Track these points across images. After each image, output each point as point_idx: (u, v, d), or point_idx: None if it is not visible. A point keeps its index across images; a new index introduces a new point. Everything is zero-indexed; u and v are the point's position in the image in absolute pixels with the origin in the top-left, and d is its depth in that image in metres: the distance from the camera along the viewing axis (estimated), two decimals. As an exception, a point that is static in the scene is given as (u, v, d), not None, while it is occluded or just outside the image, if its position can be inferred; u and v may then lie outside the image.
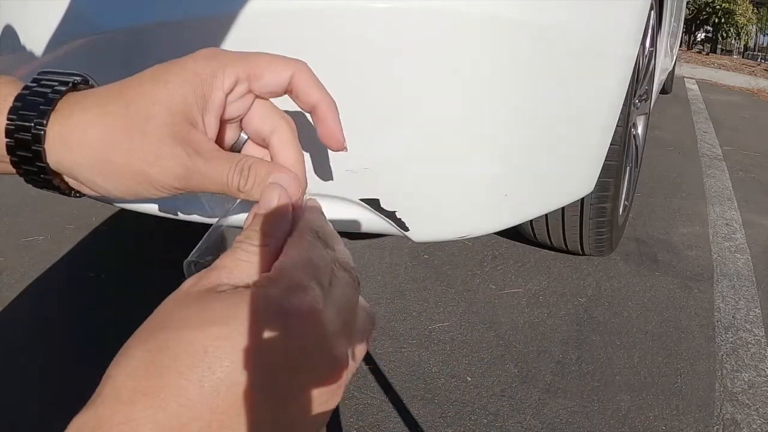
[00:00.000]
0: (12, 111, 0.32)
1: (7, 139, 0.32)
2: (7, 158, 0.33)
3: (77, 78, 0.34)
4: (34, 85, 0.33)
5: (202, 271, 0.25)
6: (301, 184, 0.31)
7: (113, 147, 0.31)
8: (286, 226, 0.28)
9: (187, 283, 0.25)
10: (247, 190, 0.31)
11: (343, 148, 0.34)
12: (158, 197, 0.34)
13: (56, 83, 0.33)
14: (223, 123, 0.33)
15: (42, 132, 0.31)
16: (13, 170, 0.34)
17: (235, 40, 0.55)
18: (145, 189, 0.32)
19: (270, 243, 0.26)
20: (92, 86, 0.35)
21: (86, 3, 0.61)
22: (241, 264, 0.25)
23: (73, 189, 0.35)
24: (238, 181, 0.31)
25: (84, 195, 0.36)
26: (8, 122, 0.32)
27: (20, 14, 0.67)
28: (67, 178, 0.34)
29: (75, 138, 0.32)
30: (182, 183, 0.32)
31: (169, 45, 0.57)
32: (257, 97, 0.33)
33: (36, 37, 0.64)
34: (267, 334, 0.22)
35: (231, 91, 0.32)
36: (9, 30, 0.67)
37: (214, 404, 0.21)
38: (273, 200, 0.28)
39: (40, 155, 0.32)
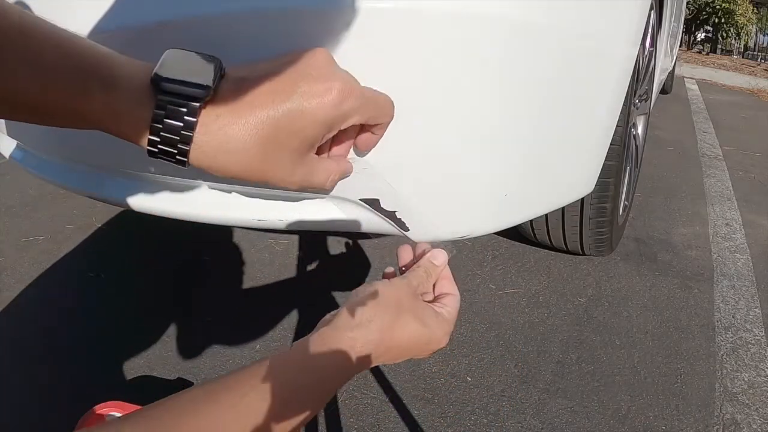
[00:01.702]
0: (156, 114, 0.35)
1: (151, 137, 0.36)
2: (144, 136, 0.36)
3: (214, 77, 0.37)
4: (167, 89, 0.35)
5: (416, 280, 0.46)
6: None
7: (252, 157, 0.38)
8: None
9: (412, 284, 0.44)
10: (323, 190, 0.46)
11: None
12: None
13: (191, 89, 0.36)
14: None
15: (189, 137, 0.36)
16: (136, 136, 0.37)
17: (235, 40, 0.55)
18: (263, 183, 0.40)
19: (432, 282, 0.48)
20: (224, 75, 0.38)
21: (87, 3, 0.61)
22: (422, 287, 0.46)
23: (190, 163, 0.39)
24: (323, 185, 0.45)
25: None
26: (153, 125, 0.35)
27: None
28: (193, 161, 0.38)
29: (217, 145, 0.36)
30: (292, 188, 0.42)
31: (170, 46, 0.57)
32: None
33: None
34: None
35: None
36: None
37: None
38: (440, 261, 0.48)
39: (185, 153, 0.36)
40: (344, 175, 0.48)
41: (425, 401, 1.00)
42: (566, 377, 1.09)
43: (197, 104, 0.35)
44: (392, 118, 0.49)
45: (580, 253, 1.43)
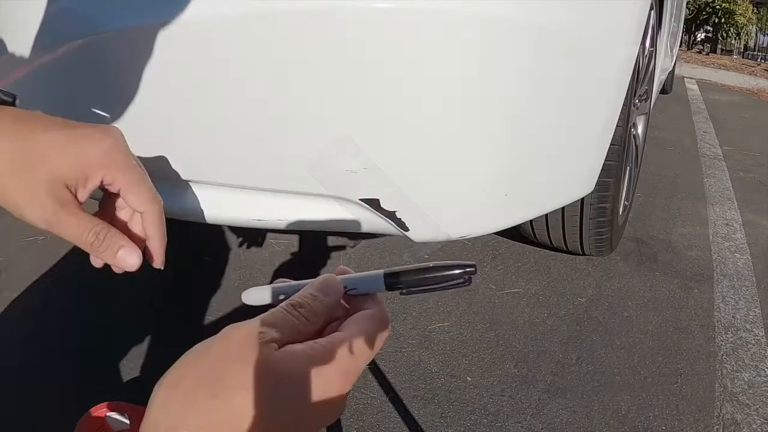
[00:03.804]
0: None
1: None
2: None
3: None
4: None
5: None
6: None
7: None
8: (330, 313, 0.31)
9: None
10: (98, 251, 0.39)
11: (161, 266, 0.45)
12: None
13: None
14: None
15: None
16: None
17: (236, 41, 0.55)
18: (20, 216, 0.38)
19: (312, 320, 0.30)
20: (12, 104, 0.38)
21: (74, 6, 0.61)
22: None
23: None
24: (92, 241, 0.39)
25: None
26: None
27: (6, 18, 0.66)
28: None
29: None
30: (48, 227, 0.38)
31: (158, 47, 0.57)
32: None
33: (23, 40, 0.64)
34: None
35: (105, 185, 0.40)
36: None
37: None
38: (334, 288, 0.32)
39: None
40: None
41: (425, 401, 1.00)
42: (566, 377, 1.09)
43: None
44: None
45: (580, 253, 1.43)
